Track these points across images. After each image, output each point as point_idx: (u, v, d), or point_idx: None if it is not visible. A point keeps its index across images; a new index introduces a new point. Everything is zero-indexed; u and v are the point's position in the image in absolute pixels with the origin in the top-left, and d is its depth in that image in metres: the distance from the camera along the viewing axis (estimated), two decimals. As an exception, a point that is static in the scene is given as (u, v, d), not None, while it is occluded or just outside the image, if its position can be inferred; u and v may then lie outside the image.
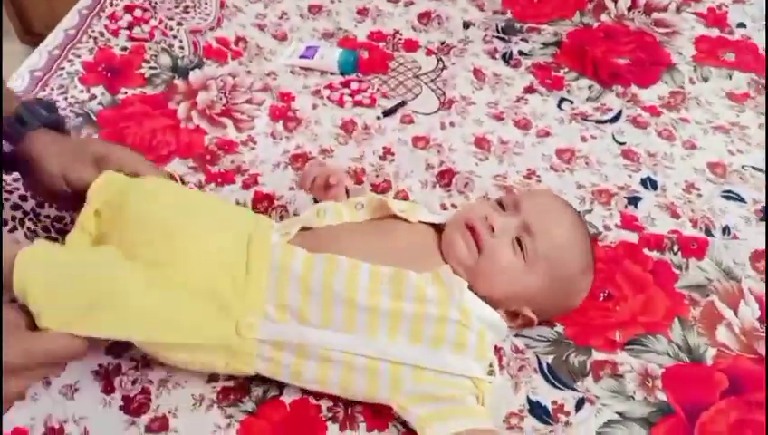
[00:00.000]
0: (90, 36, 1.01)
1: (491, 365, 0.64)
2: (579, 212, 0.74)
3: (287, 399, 0.63)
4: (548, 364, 0.68)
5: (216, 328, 0.58)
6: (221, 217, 0.65)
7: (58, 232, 0.76)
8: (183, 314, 0.57)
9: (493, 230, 0.64)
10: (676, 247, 0.79)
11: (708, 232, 0.82)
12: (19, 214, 0.75)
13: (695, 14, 1.17)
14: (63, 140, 0.69)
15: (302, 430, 0.61)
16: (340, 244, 0.63)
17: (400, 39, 1.12)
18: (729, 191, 0.88)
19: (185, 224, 0.61)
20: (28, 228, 0.75)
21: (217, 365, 0.60)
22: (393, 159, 0.89)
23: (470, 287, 0.62)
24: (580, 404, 0.65)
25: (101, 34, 1.02)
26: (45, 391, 0.62)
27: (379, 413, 0.62)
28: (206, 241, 0.60)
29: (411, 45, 1.11)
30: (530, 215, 0.65)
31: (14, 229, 0.74)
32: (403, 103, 0.99)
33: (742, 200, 0.86)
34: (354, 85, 1.01)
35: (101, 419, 0.61)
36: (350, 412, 0.62)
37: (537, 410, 0.64)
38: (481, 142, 0.93)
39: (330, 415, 0.62)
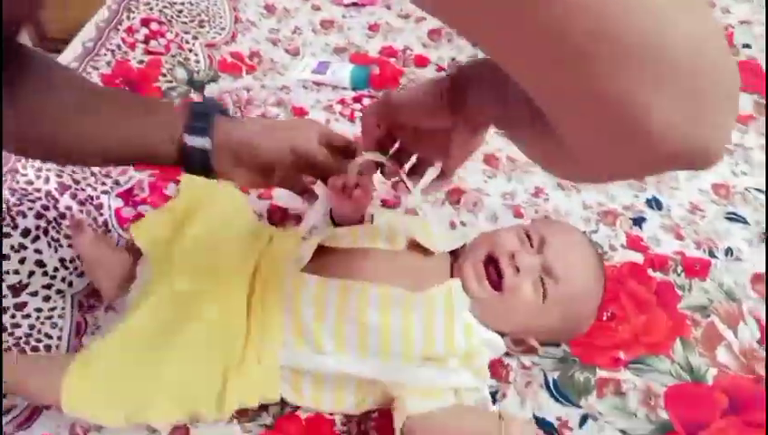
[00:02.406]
0: (108, 49, 1.04)
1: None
2: (600, 255, 0.72)
3: (303, 414, 0.65)
4: (554, 380, 0.70)
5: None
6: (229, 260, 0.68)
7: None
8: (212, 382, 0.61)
9: (518, 270, 0.64)
10: (679, 268, 0.81)
11: (712, 253, 0.84)
12: (42, 223, 0.77)
13: (700, 34, 1.19)
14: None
15: (318, 442, 0.64)
16: (352, 267, 0.65)
17: (411, 55, 1.14)
18: (733, 213, 0.90)
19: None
20: (51, 237, 0.77)
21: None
22: (404, 176, 0.91)
23: (478, 317, 0.64)
24: (583, 421, 0.67)
25: (119, 47, 1.04)
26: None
27: (391, 428, 0.64)
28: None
29: (422, 61, 1.13)
30: (555, 257, 0.64)
31: (36, 239, 0.76)
32: (414, 120, 1.01)
33: (745, 222, 0.89)
34: (366, 101, 1.03)
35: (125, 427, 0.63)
36: (362, 428, 0.65)
37: (542, 425, 0.66)
38: (490, 160, 0.95)
39: (344, 429, 0.64)
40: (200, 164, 0.59)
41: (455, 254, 0.70)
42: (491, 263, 0.65)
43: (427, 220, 0.78)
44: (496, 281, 0.64)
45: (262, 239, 0.72)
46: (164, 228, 0.72)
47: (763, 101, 1.07)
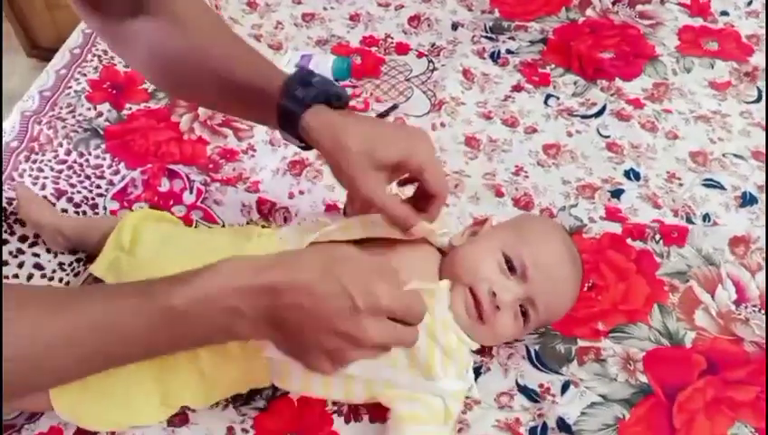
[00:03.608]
0: (94, 55, 1.06)
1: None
2: (579, 254, 0.72)
3: (295, 396, 0.68)
4: (536, 351, 0.72)
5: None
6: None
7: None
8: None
9: (498, 308, 0.65)
10: (657, 236, 0.84)
11: (689, 220, 0.86)
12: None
13: (678, 4, 1.20)
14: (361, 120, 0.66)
15: (311, 424, 0.67)
16: None
17: (392, 43, 1.16)
18: (710, 179, 0.91)
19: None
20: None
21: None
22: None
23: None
24: (565, 387, 0.69)
25: (105, 53, 1.06)
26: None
27: (381, 406, 0.67)
28: None
29: (402, 48, 1.15)
30: (537, 288, 0.66)
31: (34, 244, 0.79)
32: (395, 107, 1.03)
33: (722, 188, 0.90)
34: (348, 91, 1.05)
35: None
36: (353, 406, 0.68)
37: (525, 392, 0.69)
38: (471, 141, 0.97)
39: (335, 409, 0.67)
40: (291, 125, 0.62)
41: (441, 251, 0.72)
42: (474, 295, 0.66)
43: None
44: (480, 311, 0.65)
45: (239, 241, 0.72)
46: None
47: (740, 68, 1.08)
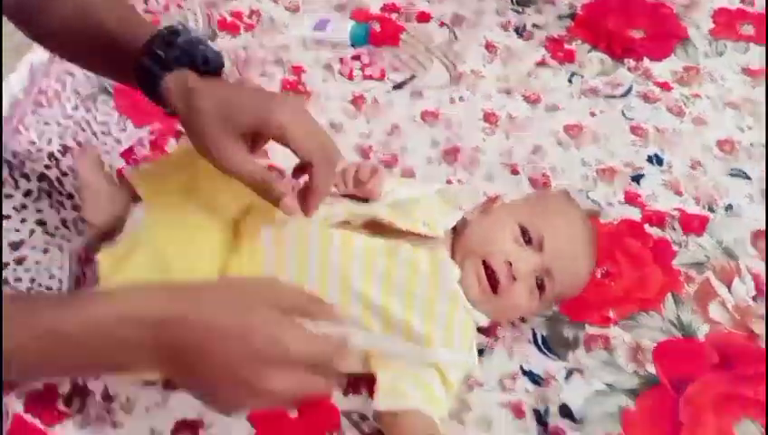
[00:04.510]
0: (108, 9, 1.04)
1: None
2: (594, 230, 0.72)
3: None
4: (542, 336, 0.70)
5: None
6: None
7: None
8: None
9: (515, 279, 0.63)
10: (677, 225, 0.81)
11: (711, 209, 0.83)
12: (45, 185, 0.79)
13: (716, -17, 1.15)
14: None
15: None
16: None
17: (413, 10, 1.12)
18: (736, 169, 0.88)
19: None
20: (55, 199, 0.79)
21: None
22: (400, 135, 0.91)
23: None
24: (570, 374, 0.68)
25: (119, 7, 1.04)
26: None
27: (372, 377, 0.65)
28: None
29: (424, 17, 1.11)
30: (554, 258, 0.64)
31: (38, 199, 0.78)
32: (413, 77, 1.00)
33: (747, 178, 0.87)
34: (365, 59, 1.02)
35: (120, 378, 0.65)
36: (352, 379, 0.66)
37: (530, 377, 0.67)
38: (489, 117, 0.94)
39: (332, 380, 0.66)
40: (150, 87, 0.57)
41: (455, 229, 0.69)
42: (488, 266, 0.64)
43: (430, 194, 0.74)
44: (495, 283, 0.64)
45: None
46: (162, 181, 0.68)
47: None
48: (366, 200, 0.70)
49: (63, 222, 0.77)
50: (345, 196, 0.71)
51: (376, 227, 0.65)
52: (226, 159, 0.54)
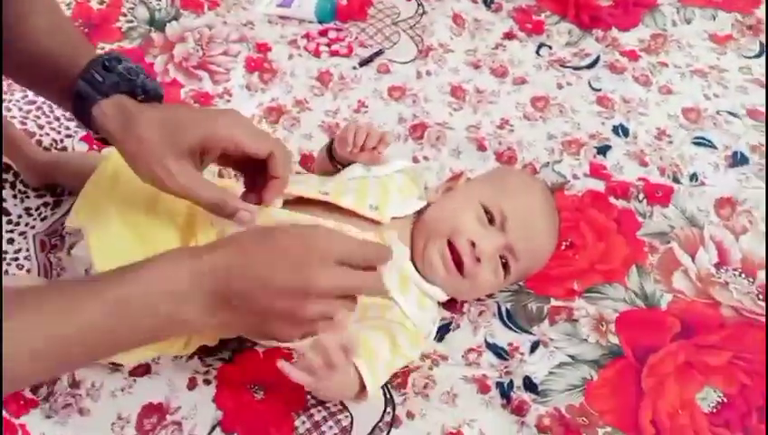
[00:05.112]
0: (66, -11, 1.01)
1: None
2: (556, 205, 0.73)
3: (261, 348, 0.67)
4: (507, 309, 0.71)
5: None
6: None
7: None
8: None
9: (479, 260, 0.64)
10: (641, 195, 0.81)
11: (676, 179, 0.83)
12: (10, 176, 0.78)
13: (685, -51, 1.14)
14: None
15: (277, 375, 0.65)
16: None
17: (381, -17, 1.10)
18: (701, 137, 0.88)
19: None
20: (18, 190, 0.78)
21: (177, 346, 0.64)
22: (367, 112, 0.90)
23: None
24: (534, 347, 0.68)
25: (77, -12, 1.02)
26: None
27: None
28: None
29: (391, -10, 1.09)
30: (517, 238, 0.65)
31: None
32: (380, 52, 0.99)
33: (713, 146, 0.87)
34: (332, 34, 1.01)
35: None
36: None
37: (494, 350, 0.68)
38: (456, 92, 0.94)
39: (299, 360, 0.67)
40: (83, 112, 0.56)
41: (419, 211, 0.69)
42: (452, 248, 0.64)
43: (392, 175, 0.73)
44: (459, 263, 0.64)
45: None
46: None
47: (744, 21, 1.03)
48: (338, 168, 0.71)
49: (27, 210, 0.76)
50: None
51: (332, 207, 0.65)
52: (178, 185, 0.56)
